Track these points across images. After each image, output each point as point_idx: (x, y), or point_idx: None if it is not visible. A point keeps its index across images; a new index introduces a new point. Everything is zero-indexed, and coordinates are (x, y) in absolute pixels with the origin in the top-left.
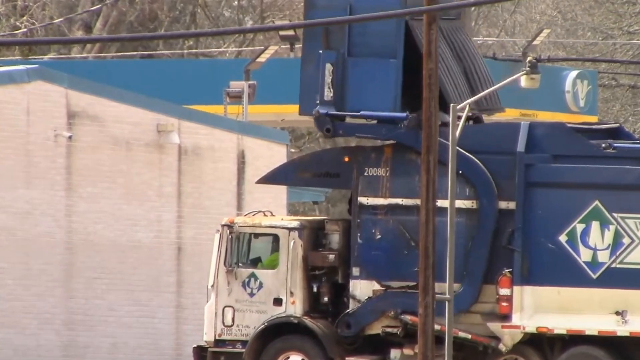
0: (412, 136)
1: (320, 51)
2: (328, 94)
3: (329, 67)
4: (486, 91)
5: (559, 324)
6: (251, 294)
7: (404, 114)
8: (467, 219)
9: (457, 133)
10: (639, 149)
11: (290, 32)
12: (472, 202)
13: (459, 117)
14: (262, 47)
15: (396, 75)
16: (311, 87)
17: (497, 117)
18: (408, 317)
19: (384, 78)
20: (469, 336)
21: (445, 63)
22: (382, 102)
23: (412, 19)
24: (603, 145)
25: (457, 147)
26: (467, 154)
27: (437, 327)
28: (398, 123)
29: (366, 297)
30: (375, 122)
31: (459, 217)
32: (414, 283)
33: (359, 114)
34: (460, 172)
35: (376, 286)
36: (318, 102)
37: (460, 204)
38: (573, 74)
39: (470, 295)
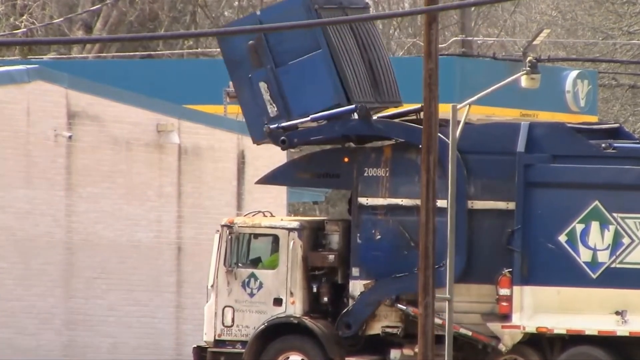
0: (365, 126)
1: (249, 75)
2: (272, 109)
3: (263, 85)
4: (487, 90)
5: (559, 324)
6: (251, 294)
7: (353, 106)
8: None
9: (458, 133)
10: (638, 149)
11: None
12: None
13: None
14: None
15: (326, 64)
16: (254, 113)
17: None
18: (411, 310)
19: (316, 71)
20: (470, 333)
21: (348, 55)
22: (324, 95)
23: (320, 9)
24: (603, 145)
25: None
26: (418, 127)
27: (438, 321)
28: (348, 117)
29: (359, 293)
30: (325, 121)
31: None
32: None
33: (308, 118)
34: (420, 146)
35: None
36: (266, 122)
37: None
38: (573, 74)
39: (461, 262)
